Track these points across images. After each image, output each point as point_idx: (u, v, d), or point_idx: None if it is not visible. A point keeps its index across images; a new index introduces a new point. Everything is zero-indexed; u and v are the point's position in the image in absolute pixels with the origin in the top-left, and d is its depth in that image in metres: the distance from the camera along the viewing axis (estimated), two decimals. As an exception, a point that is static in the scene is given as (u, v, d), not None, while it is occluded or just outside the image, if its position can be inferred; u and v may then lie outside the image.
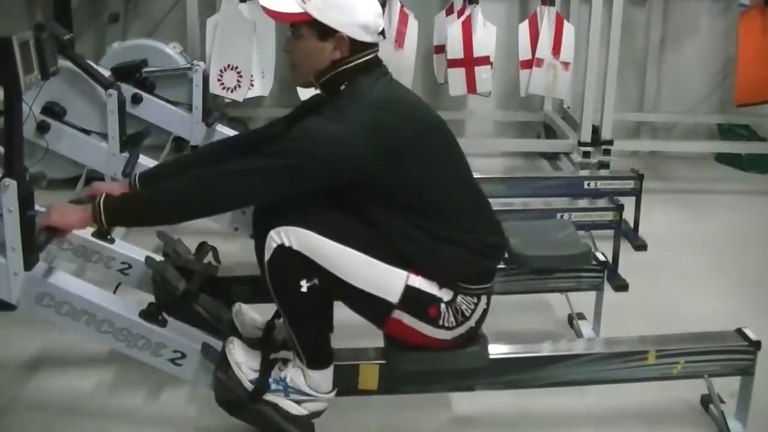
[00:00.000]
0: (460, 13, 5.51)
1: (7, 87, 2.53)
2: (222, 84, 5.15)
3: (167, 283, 2.97)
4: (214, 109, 4.70)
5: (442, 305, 2.53)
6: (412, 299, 2.51)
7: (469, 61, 5.41)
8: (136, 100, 4.30)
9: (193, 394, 3.03)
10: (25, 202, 2.56)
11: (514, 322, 3.53)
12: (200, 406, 2.99)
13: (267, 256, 2.48)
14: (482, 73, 5.42)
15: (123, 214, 2.55)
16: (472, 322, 2.61)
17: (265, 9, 2.53)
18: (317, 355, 2.60)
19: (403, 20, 5.36)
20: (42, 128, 3.79)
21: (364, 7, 2.50)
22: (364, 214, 2.51)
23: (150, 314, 2.69)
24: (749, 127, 6.43)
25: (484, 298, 2.62)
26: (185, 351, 2.68)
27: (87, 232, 3.20)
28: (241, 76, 5.16)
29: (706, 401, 3.04)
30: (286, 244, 2.44)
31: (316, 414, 2.62)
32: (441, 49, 5.63)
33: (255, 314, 2.96)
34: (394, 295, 2.49)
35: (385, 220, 2.50)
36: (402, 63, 5.40)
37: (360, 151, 2.40)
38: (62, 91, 3.89)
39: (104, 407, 3.04)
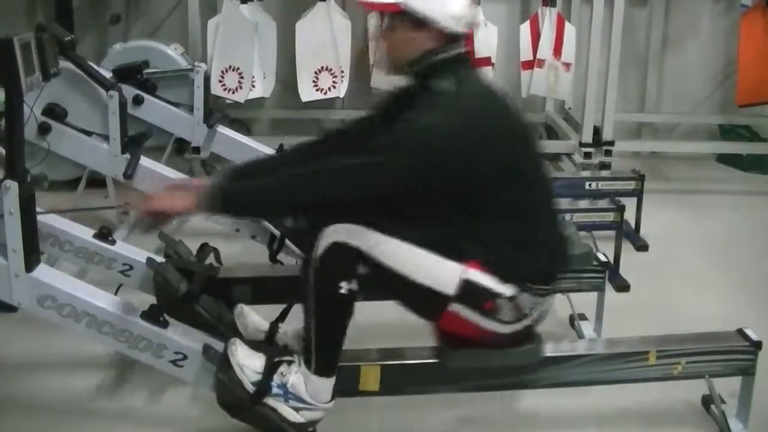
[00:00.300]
0: (461, 14, 5.50)
1: (9, 88, 2.54)
2: (223, 85, 5.17)
3: (168, 284, 2.97)
4: (215, 110, 4.70)
5: (501, 300, 2.54)
6: (469, 292, 2.51)
7: (471, 62, 5.41)
8: (138, 101, 4.31)
9: (194, 396, 3.03)
10: (27, 203, 2.56)
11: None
12: (202, 408, 2.99)
13: (319, 252, 2.49)
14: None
15: (238, 201, 2.54)
16: (529, 320, 2.62)
17: (361, 1, 2.55)
18: (328, 361, 2.60)
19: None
20: (43, 130, 3.79)
21: None
22: (428, 209, 2.53)
23: (151, 315, 2.69)
24: (750, 128, 6.44)
25: (546, 299, 2.65)
26: (186, 352, 2.68)
27: (88, 234, 3.21)
28: (242, 78, 5.18)
29: (707, 401, 3.03)
30: (341, 240, 2.47)
31: (312, 423, 2.61)
32: (442, 49, 5.62)
33: (257, 316, 2.96)
34: (450, 288, 2.50)
35: (461, 215, 2.52)
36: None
37: (459, 143, 2.43)
38: (63, 93, 3.89)
39: (106, 409, 3.04)
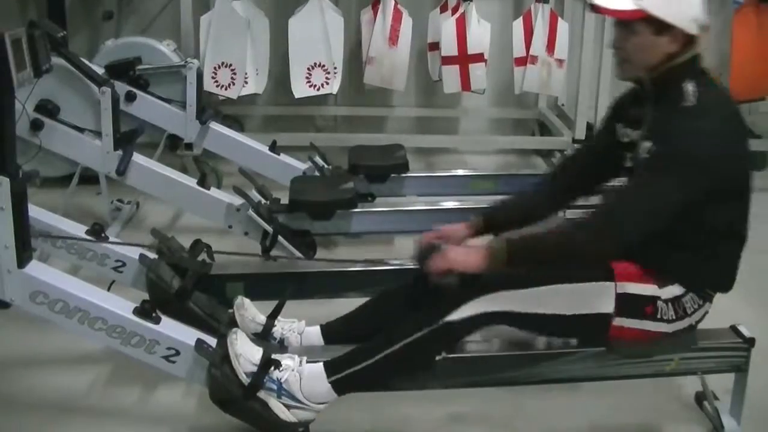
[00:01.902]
0: (455, 11, 5.52)
1: (0, 84, 2.53)
2: (216, 81, 5.16)
3: (161, 280, 2.97)
4: (208, 106, 4.70)
5: (659, 302, 2.58)
6: (627, 303, 2.57)
7: (464, 59, 5.42)
8: (130, 97, 4.31)
9: (187, 392, 3.03)
10: (19, 200, 2.55)
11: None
12: (195, 403, 2.99)
13: (454, 317, 2.52)
14: (476, 70, 5.44)
15: (527, 256, 2.55)
16: (692, 320, 2.66)
17: (600, 9, 2.56)
18: (353, 389, 2.60)
19: (398, 17, 5.36)
20: (35, 126, 3.78)
21: (695, 1, 2.55)
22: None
23: (144, 311, 2.68)
24: (744, 124, 6.43)
25: (709, 302, 2.69)
26: (179, 348, 2.67)
27: (81, 230, 3.20)
28: (235, 74, 5.18)
29: (700, 398, 3.04)
30: (486, 310, 2.53)
31: (303, 424, 2.59)
32: (435, 46, 5.63)
33: (256, 310, 2.94)
34: (609, 307, 2.56)
35: (690, 219, 2.52)
36: (396, 60, 5.41)
37: (732, 152, 2.47)
38: (55, 89, 3.87)
39: (99, 405, 3.03)
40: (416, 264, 2.69)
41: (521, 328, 2.65)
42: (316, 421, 2.61)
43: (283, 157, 4.55)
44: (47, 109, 3.85)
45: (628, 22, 2.54)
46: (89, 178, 4.48)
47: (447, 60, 5.44)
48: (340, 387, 2.56)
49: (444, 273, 2.57)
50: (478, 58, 5.42)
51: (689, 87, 2.50)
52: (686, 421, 3.02)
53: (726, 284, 2.71)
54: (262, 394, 2.55)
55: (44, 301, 2.65)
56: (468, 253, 2.58)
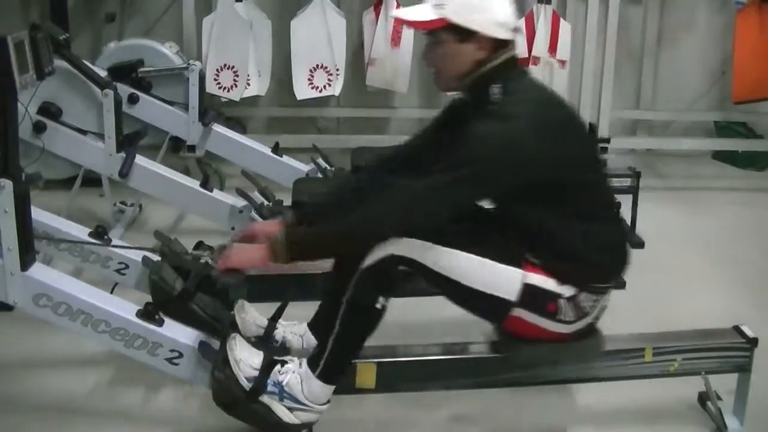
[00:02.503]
0: (457, 12, 5.50)
1: (3, 87, 2.53)
2: (218, 83, 5.17)
3: (164, 282, 2.96)
4: (210, 108, 4.70)
5: (562, 301, 2.55)
6: (531, 296, 2.53)
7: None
8: (133, 99, 4.31)
9: (190, 394, 3.03)
10: (22, 202, 2.56)
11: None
12: (198, 406, 2.99)
13: (370, 261, 2.50)
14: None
15: (309, 248, 2.56)
16: (590, 318, 2.64)
17: (401, 20, 2.56)
18: (337, 370, 2.60)
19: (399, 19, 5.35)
20: (38, 128, 3.78)
21: (499, 5, 2.52)
22: (511, 215, 2.56)
23: (147, 314, 2.69)
24: (746, 125, 6.44)
25: (605, 296, 2.65)
26: (182, 350, 2.67)
27: (84, 232, 3.20)
28: (237, 76, 5.18)
29: (703, 398, 3.04)
30: (399, 253, 2.49)
31: (307, 425, 2.60)
32: (437, 47, 5.62)
33: (257, 313, 2.95)
34: (512, 294, 2.52)
35: (535, 220, 2.53)
36: (399, 62, 5.41)
37: (536, 150, 2.42)
38: (58, 91, 3.88)
39: (102, 407, 3.04)
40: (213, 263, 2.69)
41: (427, 282, 2.58)
42: (319, 423, 2.62)
43: (286, 159, 4.56)
44: (50, 111, 3.86)
45: (433, 32, 2.54)
46: (92, 180, 4.48)
47: (449, 61, 5.43)
48: (327, 376, 2.57)
49: (229, 271, 2.58)
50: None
51: (494, 90, 2.50)
52: (689, 421, 3.01)
53: (610, 273, 2.67)
54: (264, 398, 2.55)
55: (47, 303, 2.65)
56: (250, 250, 2.60)
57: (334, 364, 2.59)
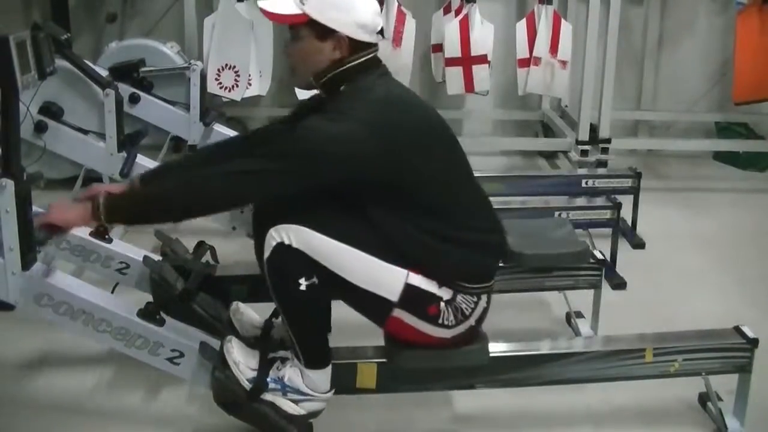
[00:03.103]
0: (458, 12, 5.51)
1: (4, 87, 2.53)
2: (220, 83, 5.15)
3: (165, 282, 2.97)
4: (211, 108, 4.70)
5: (442, 304, 2.53)
6: (412, 298, 2.50)
7: (467, 60, 5.42)
8: (134, 99, 4.31)
9: (192, 394, 3.03)
10: (23, 202, 2.56)
11: (512, 320, 3.53)
12: (199, 406, 2.99)
13: (266, 254, 2.48)
14: (480, 71, 5.43)
15: (123, 211, 2.55)
16: (472, 321, 2.60)
17: (263, 11, 2.54)
18: (315, 355, 2.60)
19: (401, 19, 5.36)
20: (39, 128, 3.79)
21: (362, 6, 2.50)
22: (364, 213, 2.50)
23: (148, 313, 2.69)
24: (747, 125, 6.44)
25: (484, 297, 2.61)
26: (183, 350, 2.68)
27: (85, 232, 3.20)
28: (238, 76, 5.17)
29: (703, 399, 3.04)
30: (286, 242, 2.44)
31: (314, 414, 2.62)
32: (439, 48, 5.63)
33: (253, 313, 2.96)
34: (393, 294, 2.49)
35: (384, 220, 2.49)
36: (400, 62, 5.40)
37: (362, 150, 2.40)
38: (60, 91, 3.89)
39: (103, 407, 3.04)
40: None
41: (314, 273, 2.48)
42: (320, 423, 2.63)
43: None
44: (51, 111, 3.87)
45: (294, 27, 2.54)
46: (93, 180, 4.47)
47: (450, 61, 5.43)
48: (311, 361, 2.59)
49: (45, 227, 2.57)
50: (482, 59, 5.41)
51: (342, 89, 2.51)
52: (690, 422, 3.01)
53: (480, 273, 2.62)
54: (268, 396, 2.56)
55: (49, 303, 2.65)
56: (68, 208, 2.60)
57: (308, 349, 2.59)
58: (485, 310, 2.64)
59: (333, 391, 2.63)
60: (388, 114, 2.48)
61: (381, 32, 2.59)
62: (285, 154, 2.43)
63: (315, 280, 2.47)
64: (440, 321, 2.54)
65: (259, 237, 2.65)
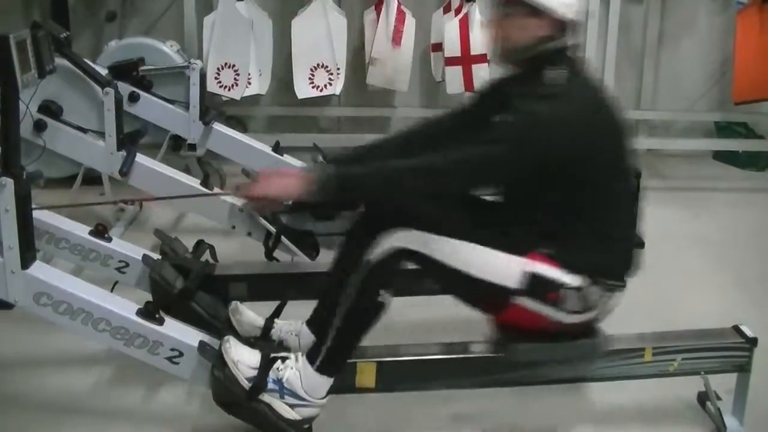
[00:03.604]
0: (458, 11, 5.51)
1: (4, 85, 2.53)
2: (219, 82, 5.17)
3: (164, 281, 2.98)
4: (211, 107, 4.70)
5: (567, 290, 2.57)
6: (534, 284, 2.55)
7: (467, 59, 5.42)
8: (133, 98, 4.31)
9: (191, 393, 3.04)
10: (22, 200, 2.56)
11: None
12: (199, 405, 3.00)
13: (376, 255, 2.52)
14: (480, 70, 5.43)
15: (351, 185, 2.55)
16: (593, 313, 2.65)
17: None
18: (336, 363, 2.61)
19: (401, 18, 5.36)
20: (39, 127, 3.78)
21: None
22: (537, 201, 2.58)
23: (147, 313, 2.68)
24: (747, 125, 6.44)
25: (613, 295, 2.67)
26: (183, 349, 2.67)
27: (84, 231, 3.20)
28: (238, 75, 5.18)
29: (702, 398, 3.04)
30: (403, 246, 2.51)
31: (308, 420, 2.60)
32: (438, 47, 5.63)
33: (251, 313, 2.96)
34: (514, 281, 2.54)
35: (566, 207, 2.56)
36: (399, 61, 5.41)
37: (574, 138, 2.47)
38: (59, 90, 3.88)
39: (102, 406, 3.04)
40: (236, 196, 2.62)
41: (431, 275, 2.65)
42: (320, 421, 2.62)
43: (287, 158, 4.55)
44: (51, 110, 3.86)
45: (503, 4, 2.58)
46: (93, 178, 4.49)
47: (450, 61, 5.44)
48: (326, 368, 2.58)
49: (259, 200, 2.57)
50: (482, 58, 5.41)
51: (549, 74, 2.53)
52: (689, 421, 3.02)
53: (624, 271, 2.70)
54: (265, 397, 2.56)
55: (48, 302, 2.65)
56: (287, 179, 2.57)
57: (334, 357, 2.60)
58: (610, 310, 2.70)
59: (327, 398, 2.62)
60: (593, 101, 2.59)
61: (580, 14, 2.63)
62: (511, 140, 2.47)
63: (391, 298, 2.56)
64: (561, 305, 2.59)
65: (356, 239, 2.67)
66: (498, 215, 2.70)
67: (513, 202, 2.71)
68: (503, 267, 2.54)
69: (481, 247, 2.54)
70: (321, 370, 2.58)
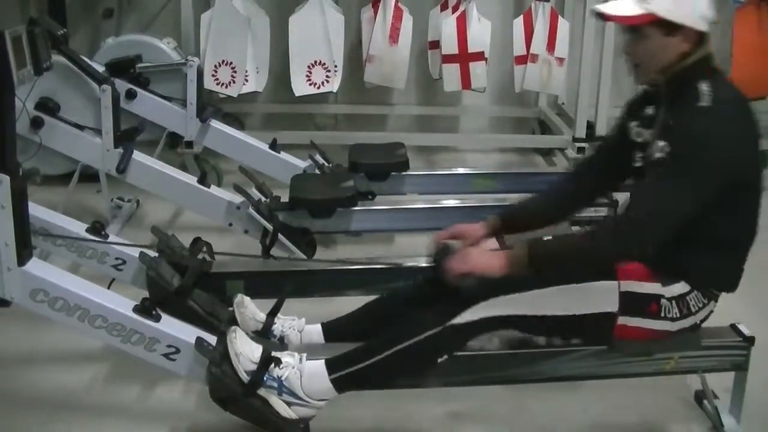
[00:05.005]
0: (455, 9, 5.52)
1: (0, 82, 2.53)
2: (216, 79, 5.16)
3: (161, 278, 2.97)
4: (208, 104, 4.70)
5: (663, 300, 2.58)
6: (630, 302, 2.56)
7: (464, 57, 5.42)
8: (131, 95, 4.31)
9: (187, 389, 3.03)
10: (19, 197, 2.55)
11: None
12: (195, 401, 2.99)
13: (460, 320, 2.52)
14: (477, 68, 5.43)
15: (548, 261, 2.54)
16: (696, 319, 2.66)
17: (603, 15, 2.57)
18: (354, 386, 2.60)
19: (398, 16, 5.36)
20: (36, 124, 3.78)
21: None
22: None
23: (144, 309, 2.68)
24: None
25: (714, 302, 2.69)
26: (179, 346, 2.67)
27: (81, 227, 3.20)
28: (235, 72, 5.17)
29: (700, 397, 3.04)
30: (494, 314, 2.53)
31: (304, 420, 2.59)
32: (436, 44, 5.63)
33: (256, 308, 2.94)
34: (613, 305, 2.55)
35: (709, 227, 2.54)
36: (396, 58, 5.41)
37: (744, 149, 2.49)
38: (56, 87, 3.87)
39: (99, 403, 3.04)
40: (432, 264, 2.68)
41: (526, 332, 2.66)
42: (317, 419, 2.61)
43: (284, 155, 4.56)
44: (48, 106, 3.85)
45: (637, 27, 2.53)
46: (89, 175, 4.48)
47: (447, 58, 5.44)
48: (341, 385, 2.56)
49: (463, 275, 2.55)
50: (479, 56, 5.41)
51: (704, 87, 2.49)
52: (686, 419, 3.02)
53: (732, 283, 2.71)
54: (262, 392, 2.55)
55: (44, 298, 2.65)
56: (490, 257, 2.57)
57: (356, 381, 2.59)
58: (711, 313, 2.71)
59: (326, 401, 2.62)
60: (750, 114, 2.58)
61: (715, 21, 2.61)
62: (701, 164, 2.43)
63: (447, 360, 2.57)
64: (663, 314, 2.59)
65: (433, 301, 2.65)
66: None
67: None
68: (599, 295, 2.56)
69: (571, 286, 2.54)
70: (336, 383, 2.56)
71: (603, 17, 2.58)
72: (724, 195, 2.47)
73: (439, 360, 2.57)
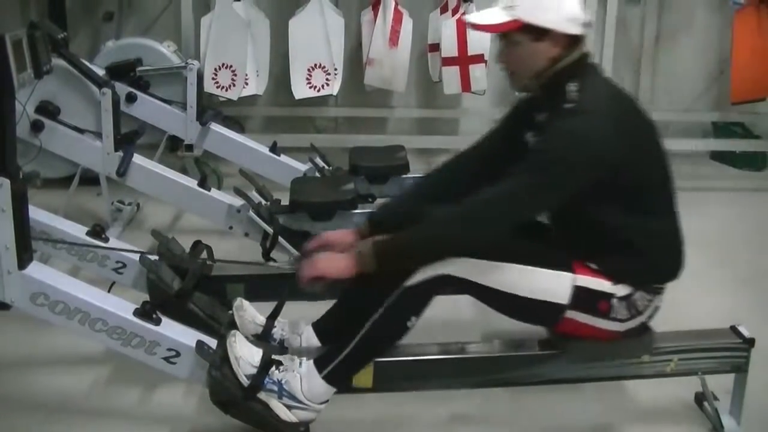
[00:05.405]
0: (455, 12, 5.51)
1: (0, 85, 2.53)
2: (216, 83, 5.17)
3: (161, 281, 2.97)
4: (208, 107, 4.70)
5: (614, 300, 2.60)
6: (582, 297, 2.58)
7: (464, 60, 5.42)
8: (131, 98, 4.31)
9: (188, 393, 3.03)
10: (19, 201, 2.56)
11: (510, 320, 3.52)
12: (195, 404, 2.99)
13: (417, 278, 2.54)
14: (477, 71, 5.44)
15: (396, 256, 2.56)
16: (644, 317, 2.69)
17: (474, 25, 2.59)
18: (344, 376, 2.62)
19: (398, 18, 5.36)
20: (36, 127, 3.78)
21: (569, 1, 2.54)
22: (575, 216, 2.58)
23: (144, 313, 2.68)
24: (744, 125, 6.43)
25: (659, 297, 2.71)
26: (180, 349, 2.67)
27: (81, 231, 3.20)
28: (235, 75, 5.18)
29: (700, 398, 3.04)
30: (450, 273, 2.54)
31: (304, 424, 2.60)
32: (435, 47, 5.63)
33: (255, 311, 2.95)
34: (564, 297, 2.57)
35: (603, 219, 2.57)
36: (396, 61, 5.41)
37: (616, 146, 2.46)
38: (56, 90, 3.87)
39: (99, 406, 3.04)
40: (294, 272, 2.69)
41: (477, 298, 2.65)
42: (317, 421, 2.62)
43: (284, 158, 4.56)
44: (48, 110, 3.85)
45: (507, 34, 2.56)
46: (90, 179, 4.48)
47: (447, 61, 5.44)
48: (333, 378, 2.58)
49: (313, 280, 2.58)
50: (479, 59, 5.42)
51: (571, 87, 2.52)
52: (686, 421, 3.02)
53: (670, 273, 2.71)
54: (262, 396, 2.56)
55: (45, 302, 2.65)
56: (336, 259, 2.60)
57: (344, 370, 2.61)
58: (657, 309, 2.73)
59: (326, 405, 2.62)
60: (624, 109, 2.59)
61: (588, 24, 2.61)
62: (555, 162, 2.45)
63: (416, 324, 2.58)
64: (612, 315, 2.61)
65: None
66: (534, 232, 2.72)
67: (557, 219, 2.72)
68: (552, 284, 2.57)
69: (528, 267, 2.56)
70: (328, 379, 2.58)
71: (474, 27, 2.60)
72: (628, 196, 2.53)
73: (409, 324, 2.57)
